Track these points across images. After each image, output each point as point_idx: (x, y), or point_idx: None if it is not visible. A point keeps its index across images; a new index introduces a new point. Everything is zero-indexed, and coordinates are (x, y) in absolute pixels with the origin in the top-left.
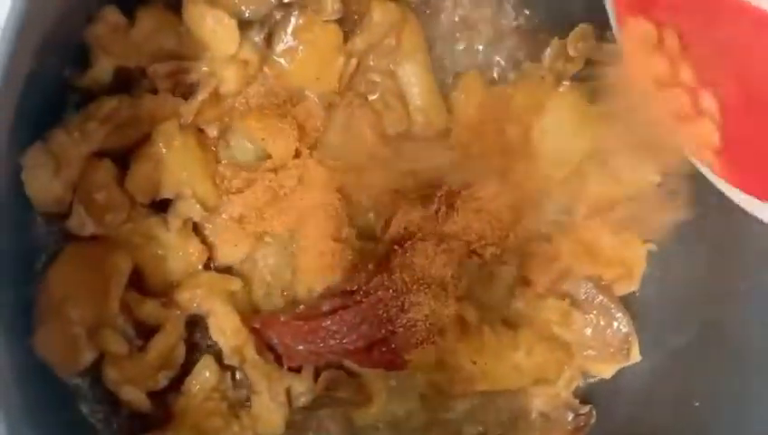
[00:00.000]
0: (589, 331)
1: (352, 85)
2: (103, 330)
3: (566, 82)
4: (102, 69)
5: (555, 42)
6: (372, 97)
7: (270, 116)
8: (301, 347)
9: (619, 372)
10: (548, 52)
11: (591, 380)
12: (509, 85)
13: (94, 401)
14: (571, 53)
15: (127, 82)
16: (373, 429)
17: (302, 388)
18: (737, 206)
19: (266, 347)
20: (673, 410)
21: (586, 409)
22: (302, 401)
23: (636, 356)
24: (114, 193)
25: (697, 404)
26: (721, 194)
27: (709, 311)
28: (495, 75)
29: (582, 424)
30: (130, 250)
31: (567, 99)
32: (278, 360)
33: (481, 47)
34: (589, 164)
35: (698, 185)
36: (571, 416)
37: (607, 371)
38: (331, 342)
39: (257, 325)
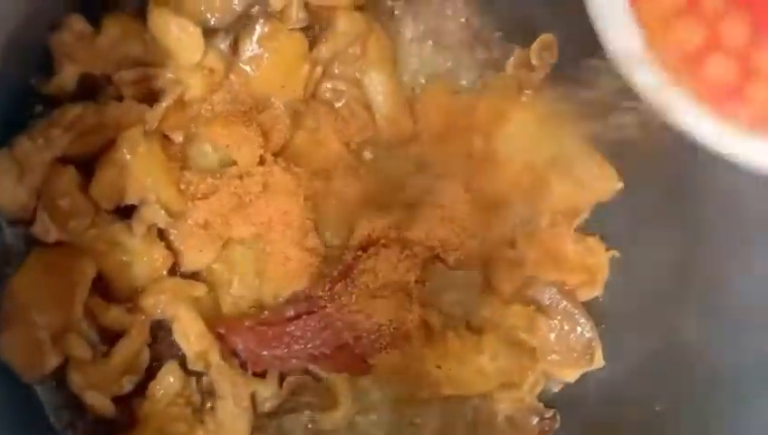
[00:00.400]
0: (553, 336)
1: (318, 93)
2: (68, 335)
3: (529, 91)
4: (67, 76)
5: (518, 51)
6: (338, 105)
7: (235, 123)
8: (265, 352)
9: (583, 377)
10: (511, 61)
11: (556, 384)
12: (473, 94)
13: (59, 405)
14: (534, 62)
15: (92, 89)
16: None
17: (267, 393)
18: (700, 213)
19: (231, 352)
20: (635, 415)
21: (550, 413)
22: (268, 406)
23: (599, 361)
24: (78, 199)
25: (659, 409)
26: (684, 201)
27: (671, 316)
28: (460, 84)
29: (547, 428)
30: (95, 256)
31: (530, 107)
32: (243, 365)
33: (445, 57)
34: (552, 171)
35: (662, 192)
36: (535, 420)
37: (571, 375)
38: (296, 347)
39: (222, 331)
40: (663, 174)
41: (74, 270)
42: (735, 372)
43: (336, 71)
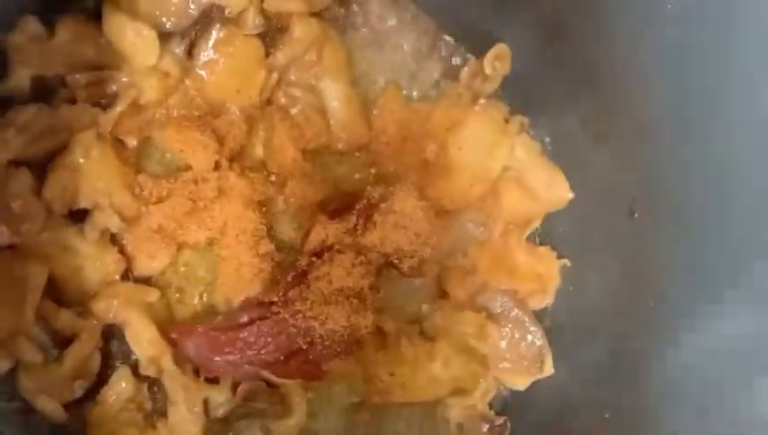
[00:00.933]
0: (504, 343)
1: (273, 99)
2: (18, 339)
3: (483, 101)
4: (20, 78)
5: (472, 60)
6: (293, 111)
7: (190, 128)
8: (218, 358)
9: (533, 384)
10: (465, 70)
11: (506, 392)
12: (428, 102)
13: (8, 410)
14: (488, 71)
15: (45, 92)
16: None
17: (220, 399)
18: (647, 222)
19: (184, 358)
20: (584, 422)
21: (500, 420)
22: (221, 412)
23: (549, 369)
24: (31, 202)
25: (607, 416)
26: (632, 214)
27: (620, 325)
28: (414, 93)
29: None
30: (47, 260)
31: (483, 117)
32: (196, 371)
33: (401, 64)
34: (504, 181)
35: (611, 201)
36: (486, 427)
37: (521, 383)
38: (249, 352)
39: (174, 336)
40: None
41: (26, 274)
42: (683, 378)
43: (292, 77)
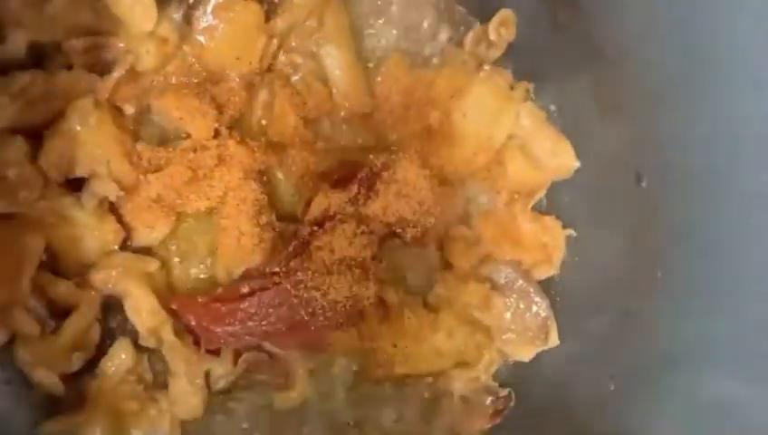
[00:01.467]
0: (508, 315)
1: (274, 66)
2: (15, 310)
3: (487, 67)
4: (15, 43)
5: (477, 26)
6: (294, 78)
7: (188, 95)
8: (219, 329)
9: (538, 356)
10: (470, 36)
11: (511, 363)
12: (431, 69)
13: (4, 382)
14: (492, 37)
15: (41, 58)
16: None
17: (221, 371)
18: (654, 192)
19: (184, 329)
20: (589, 394)
21: (505, 392)
22: (222, 383)
23: (554, 340)
24: (27, 170)
25: (613, 388)
26: (639, 181)
27: (626, 296)
28: (418, 59)
29: (501, 407)
30: (44, 229)
31: (488, 83)
32: (197, 343)
33: (404, 31)
34: (509, 149)
35: (617, 170)
36: (489, 399)
37: (526, 354)
38: (250, 323)
39: (175, 307)
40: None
41: (22, 243)
42: (687, 351)
43: (293, 43)
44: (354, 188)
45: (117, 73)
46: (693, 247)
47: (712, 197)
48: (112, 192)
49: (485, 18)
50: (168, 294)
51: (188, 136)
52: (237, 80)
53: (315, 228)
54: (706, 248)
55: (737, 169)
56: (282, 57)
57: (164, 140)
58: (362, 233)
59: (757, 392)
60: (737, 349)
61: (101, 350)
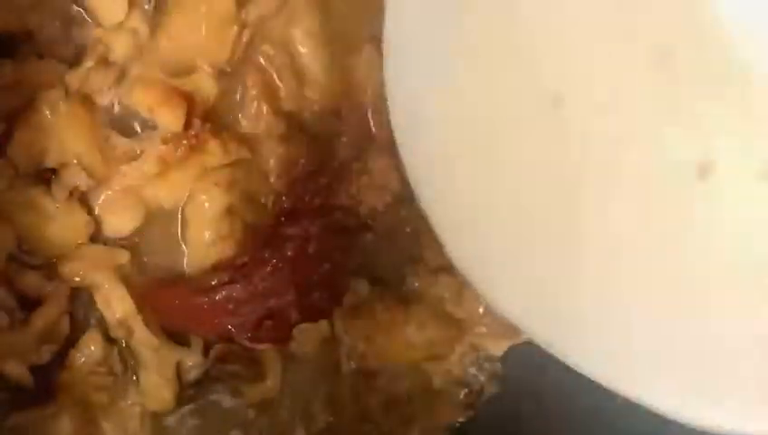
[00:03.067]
0: (481, 308)
1: (246, 56)
2: None
3: None
4: None
5: None
6: (268, 69)
7: (159, 86)
8: (188, 321)
9: (511, 349)
10: None
11: (483, 356)
12: None
13: None
14: None
15: (10, 46)
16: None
17: (191, 362)
18: None
19: (154, 321)
20: (563, 382)
21: (477, 385)
22: (192, 374)
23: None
24: None
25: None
26: None
27: None
28: None
29: (473, 401)
30: (12, 220)
31: None
32: (166, 333)
33: (379, 22)
34: None
35: None
36: (463, 392)
37: (498, 347)
38: (221, 316)
39: (144, 299)
40: None
41: None
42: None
43: (265, 34)
44: (324, 180)
45: (88, 63)
46: None
47: None
48: (83, 181)
49: None
50: (137, 286)
51: (159, 127)
52: (209, 70)
53: (285, 220)
54: None
55: None
56: (254, 48)
57: (135, 132)
58: (333, 225)
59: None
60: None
61: (71, 341)
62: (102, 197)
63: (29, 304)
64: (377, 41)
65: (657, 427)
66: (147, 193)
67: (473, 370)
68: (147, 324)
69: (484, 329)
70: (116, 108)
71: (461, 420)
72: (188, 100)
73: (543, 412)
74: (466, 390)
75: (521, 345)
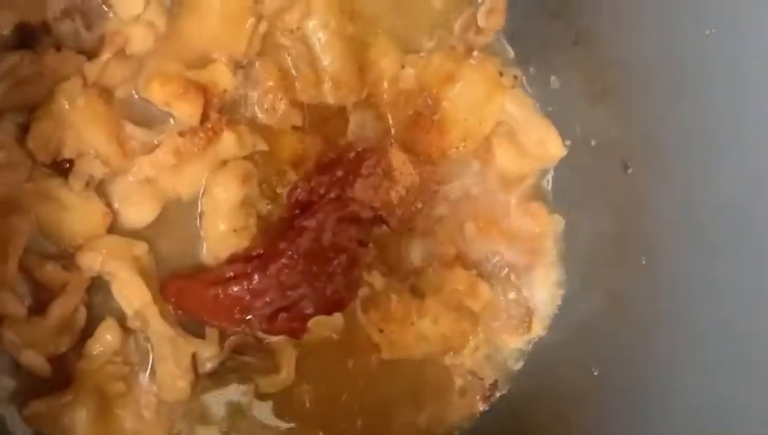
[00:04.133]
0: (494, 302)
1: (263, 49)
2: (1, 292)
3: (476, 53)
4: (3, 23)
5: (466, 12)
6: (284, 62)
7: (177, 79)
8: (203, 312)
9: (523, 342)
10: (459, 22)
11: (496, 350)
12: (421, 56)
13: None
14: (481, 24)
15: (30, 39)
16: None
17: (207, 353)
18: (640, 180)
19: (171, 312)
20: (574, 379)
21: (492, 379)
22: (208, 366)
23: (538, 330)
24: (14, 152)
25: (597, 373)
26: (626, 169)
27: (611, 283)
28: (410, 44)
29: (488, 394)
30: (31, 211)
31: (477, 70)
32: (182, 323)
33: (396, 15)
34: (497, 136)
35: (604, 157)
36: (477, 385)
37: (511, 342)
38: (237, 308)
39: (161, 289)
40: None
41: (9, 225)
42: (672, 338)
43: (282, 26)
44: (339, 172)
45: (105, 56)
46: (678, 235)
47: (697, 184)
48: (97, 170)
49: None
50: (154, 278)
51: (176, 120)
52: (225, 62)
53: (301, 212)
54: (692, 236)
55: (723, 153)
56: (271, 40)
57: (152, 123)
58: (348, 218)
59: (744, 378)
60: (722, 336)
61: (88, 331)
62: (120, 188)
63: (47, 294)
64: (392, 33)
65: (668, 425)
66: (164, 185)
67: (486, 364)
68: (163, 316)
69: (497, 323)
70: (133, 100)
71: (475, 412)
72: (205, 92)
73: (554, 406)
74: (480, 383)
75: (533, 338)
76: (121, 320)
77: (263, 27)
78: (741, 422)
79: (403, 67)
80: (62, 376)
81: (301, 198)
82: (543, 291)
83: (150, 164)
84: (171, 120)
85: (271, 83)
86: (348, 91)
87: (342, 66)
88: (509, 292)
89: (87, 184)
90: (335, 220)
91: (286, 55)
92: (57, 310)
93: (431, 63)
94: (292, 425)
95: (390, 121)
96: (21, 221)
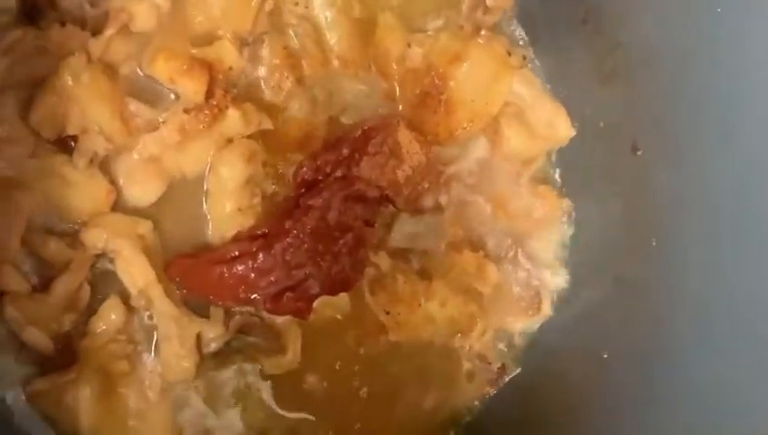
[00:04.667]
0: (502, 284)
1: (268, 26)
2: (4, 268)
3: (484, 33)
4: None
5: None
6: (290, 39)
7: (181, 56)
8: (207, 291)
9: (531, 325)
10: (466, 1)
11: (504, 333)
12: (428, 35)
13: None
14: (489, 3)
15: (34, 14)
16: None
17: (212, 333)
18: (649, 161)
19: (176, 291)
20: (583, 362)
21: (499, 363)
22: (213, 346)
23: (547, 311)
24: (18, 127)
25: (606, 356)
26: (635, 150)
27: (621, 265)
28: (417, 23)
29: (495, 377)
30: (35, 188)
31: (485, 49)
32: (186, 301)
33: None
34: (505, 117)
35: (613, 138)
36: (485, 369)
37: (520, 324)
38: (242, 287)
39: (165, 268)
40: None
41: (13, 201)
42: (682, 320)
43: (289, 3)
44: (346, 150)
45: (109, 32)
46: (688, 217)
47: (707, 166)
48: (101, 146)
49: None
50: (158, 256)
51: (181, 97)
52: (231, 40)
53: (306, 191)
54: (702, 218)
55: (733, 134)
56: (276, 17)
57: (157, 101)
58: (354, 197)
59: (753, 361)
60: (732, 318)
61: (92, 309)
62: (124, 166)
63: (51, 272)
64: (399, 11)
65: (676, 408)
66: (169, 163)
67: (494, 347)
68: (167, 295)
69: (506, 305)
70: (138, 77)
71: (483, 395)
72: (210, 69)
73: (564, 390)
74: (488, 366)
75: (545, 322)
76: (126, 298)
77: (269, 4)
78: (750, 405)
79: (409, 46)
80: (65, 354)
81: (307, 176)
82: (552, 273)
83: (155, 142)
84: (176, 97)
85: (277, 61)
86: (353, 70)
87: (349, 44)
88: (518, 274)
89: (91, 161)
90: (341, 199)
91: (292, 33)
92: (61, 287)
93: (438, 43)
94: (297, 406)
95: (397, 101)
96: (25, 198)
